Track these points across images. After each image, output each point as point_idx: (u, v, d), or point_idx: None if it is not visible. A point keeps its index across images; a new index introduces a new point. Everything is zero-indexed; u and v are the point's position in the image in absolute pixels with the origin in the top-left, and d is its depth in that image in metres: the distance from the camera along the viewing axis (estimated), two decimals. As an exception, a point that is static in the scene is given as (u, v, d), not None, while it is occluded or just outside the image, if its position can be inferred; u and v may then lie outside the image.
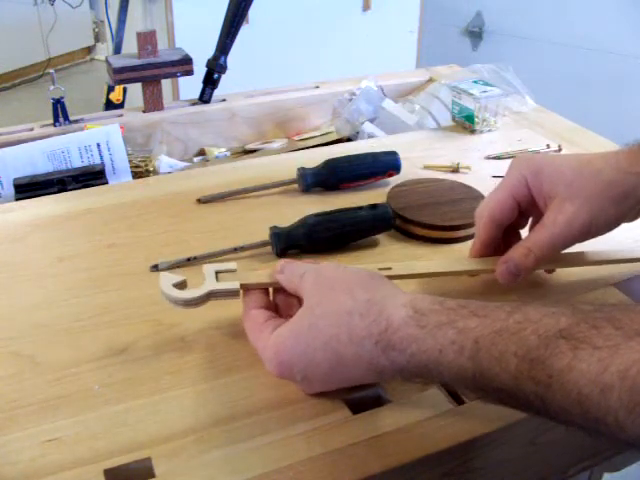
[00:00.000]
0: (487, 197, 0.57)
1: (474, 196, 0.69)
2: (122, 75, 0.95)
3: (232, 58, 1.00)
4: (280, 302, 0.51)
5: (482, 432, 0.44)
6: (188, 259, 0.62)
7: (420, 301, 0.43)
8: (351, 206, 0.66)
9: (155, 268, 0.61)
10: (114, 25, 1.93)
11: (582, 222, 0.52)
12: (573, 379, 0.35)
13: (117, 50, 1.89)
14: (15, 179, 0.80)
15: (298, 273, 0.48)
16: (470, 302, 0.42)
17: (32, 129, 0.90)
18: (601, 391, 0.34)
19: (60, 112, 0.90)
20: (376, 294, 0.44)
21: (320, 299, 0.45)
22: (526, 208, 0.56)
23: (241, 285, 0.50)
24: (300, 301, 0.47)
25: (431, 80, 1.12)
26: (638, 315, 0.36)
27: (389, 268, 0.54)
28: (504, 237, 0.57)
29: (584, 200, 0.52)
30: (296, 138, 1.03)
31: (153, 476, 0.41)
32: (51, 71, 0.98)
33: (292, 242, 0.63)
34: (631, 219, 0.55)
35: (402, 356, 0.41)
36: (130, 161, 0.89)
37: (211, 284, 0.50)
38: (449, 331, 0.40)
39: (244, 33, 1.07)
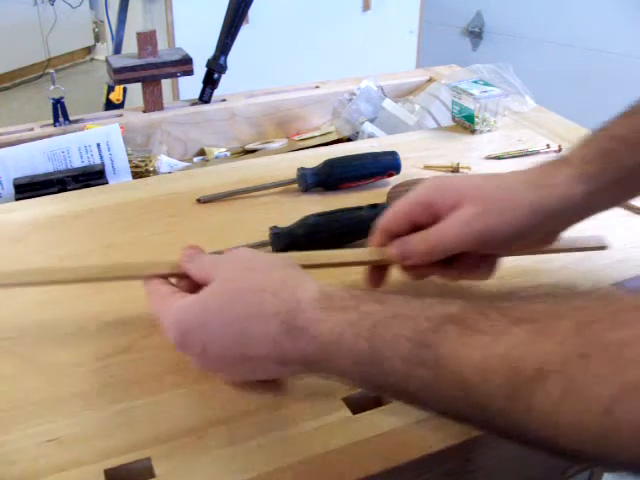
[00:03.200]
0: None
1: None
2: (122, 75, 0.95)
3: (232, 58, 1.00)
4: (185, 287, 0.49)
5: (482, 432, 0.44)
6: (188, 259, 0.62)
7: (329, 287, 0.43)
8: (351, 206, 0.66)
9: (155, 268, 0.61)
10: (114, 25, 1.93)
11: (477, 226, 0.49)
12: (458, 364, 0.35)
13: (117, 50, 1.89)
14: (15, 179, 0.80)
15: (209, 261, 0.47)
16: (379, 293, 0.42)
17: (32, 129, 0.90)
18: (482, 377, 0.34)
19: (60, 112, 0.90)
20: (291, 277, 0.44)
21: (234, 275, 0.45)
22: (427, 223, 0.52)
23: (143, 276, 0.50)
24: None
25: (431, 80, 1.12)
26: (523, 303, 0.36)
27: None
28: None
29: (481, 204, 0.49)
30: (296, 138, 1.03)
31: (153, 476, 0.41)
32: (51, 71, 0.98)
33: (292, 242, 0.63)
34: (549, 238, 0.53)
35: (304, 338, 0.41)
36: (130, 161, 0.89)
37: None
38: (351, 314, 0.40)
39: (244, 33, 1.07)
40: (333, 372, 0.42)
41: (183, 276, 0.49)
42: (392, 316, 0.39)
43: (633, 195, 0.56)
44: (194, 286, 0.47)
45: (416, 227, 0.52)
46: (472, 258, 0.52)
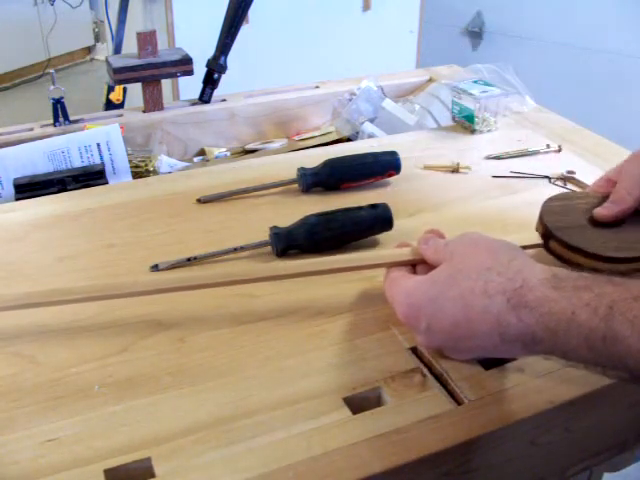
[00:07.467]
0: None
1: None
2: (122, 75, 0.95)
3: (232, 58, 1.00)
4: (421, 271, 0.52)
5: (482, 432, 0.44)
6: (188, 259, 0.62)
7: (557, 269, 0.44)
8: (351, 206, 0.66)
9: (155, 268, 0.61)
10: (114, 25, 1.93)
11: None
12: None
13: (117, 50, 1.89)
14: (15, 179, 0.80)
15: (442, 242, 0.50)
16: (611, 276, 0.42)
17: (32, 129, 0.90)
18: None
19: (60, 112, 0.90)
20: (517, 259, 0.46)
21: (463, 254, 0.47)
22: None
23: (385, 264, 0.53)
24: None
25: (431, 80, 1.12)
26: None
27: None
28: None
29: None
30: (296, 138, 1.03)
31: (153, 476, 0.41)
32: (51, 71, 0.98)
33: (292, 242, 0.63)
34: None
35: (532, 315, 0.42)
36: (130, 161, 0.89)
37: None
38: (585, 294, 0.40)
39: (244, 33, 1.07)
40: (557, 351, 0.43)
41: (421, 262, 0.52)
42: (632, 298, 0.39)
43: None
44: (430, 271, 0.50)
45: None
46: None
